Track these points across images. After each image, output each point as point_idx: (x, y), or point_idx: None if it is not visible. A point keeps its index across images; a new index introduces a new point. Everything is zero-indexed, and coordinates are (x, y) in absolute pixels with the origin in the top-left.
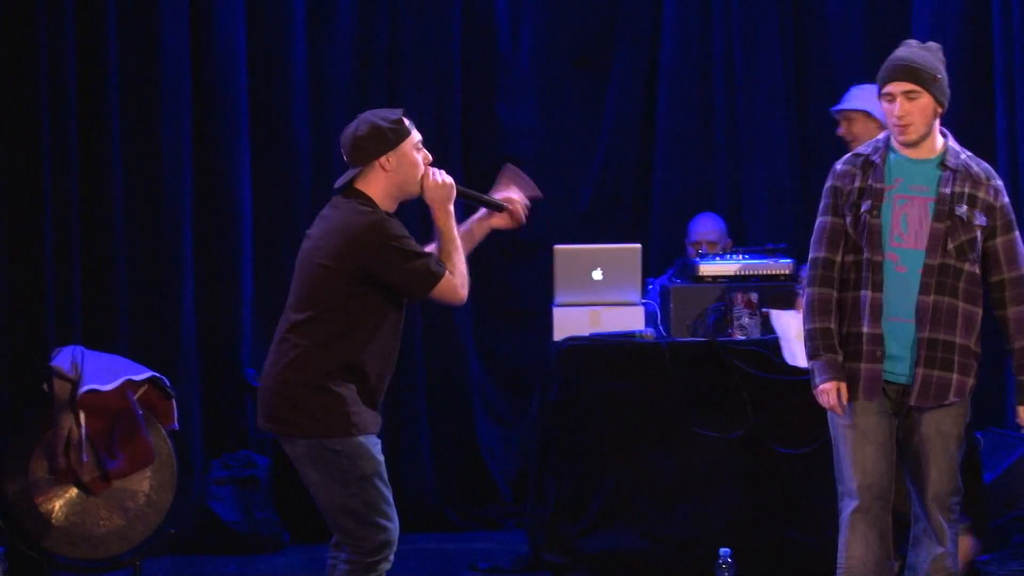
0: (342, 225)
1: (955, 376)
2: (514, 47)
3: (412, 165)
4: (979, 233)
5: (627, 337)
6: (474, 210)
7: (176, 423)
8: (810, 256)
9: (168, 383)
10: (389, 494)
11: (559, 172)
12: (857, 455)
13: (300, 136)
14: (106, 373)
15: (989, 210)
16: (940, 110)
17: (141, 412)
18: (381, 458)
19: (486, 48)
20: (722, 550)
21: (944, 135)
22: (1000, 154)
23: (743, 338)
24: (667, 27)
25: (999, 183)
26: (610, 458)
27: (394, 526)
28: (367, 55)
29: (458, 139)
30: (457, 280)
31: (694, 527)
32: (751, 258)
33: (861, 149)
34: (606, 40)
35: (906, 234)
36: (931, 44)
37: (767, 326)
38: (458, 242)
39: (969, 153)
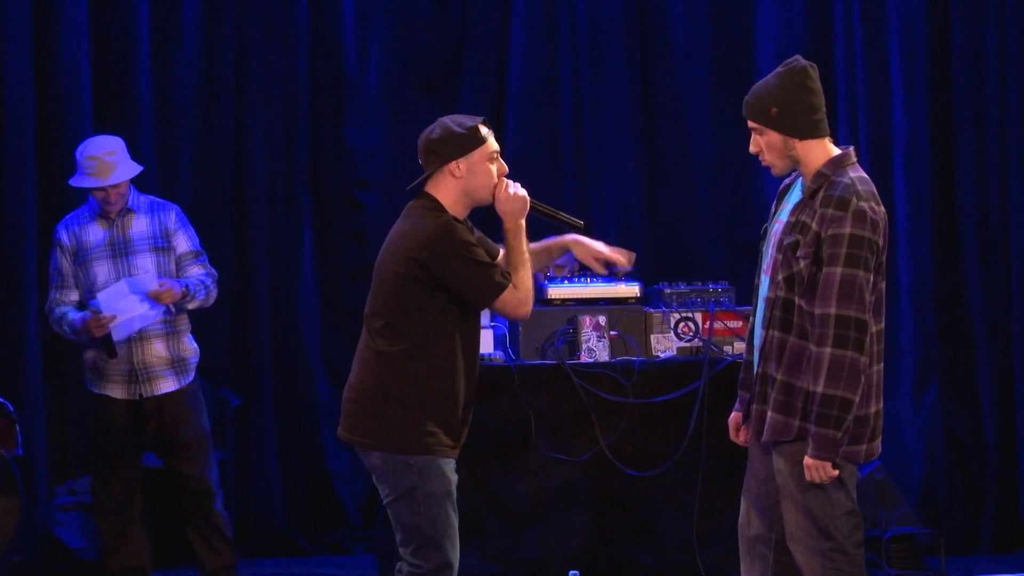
0: (410, 229)
1: (771, 413)
2: (362, 70)
3: (483, 174)
4: (805, 264)
5: None
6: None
7: (20, 448)
8: None
9: (11, 408)
10: (456, 520)
11: (408, 196)
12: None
13: (145, 156)
14: None
15: (816, 241)
16: (794, 139)
17: None
18: (454, 479)
19: (334, 71)
20: (572, 573)
21: (836, 151)
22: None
23: (591, 361)
24: (515, 51)
25: (839, 212)
26: (459, 481)
27: (455, 552)
28: (213, 76)
29: (306, 162)
30: (521, 295)
31: (544, 550)
32: (599, 281)
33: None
34: (454, 63)
35: (768, 262)
36: (794, 65)
37: (616, 349)
38: (526, 257)
39: (852, 177)
